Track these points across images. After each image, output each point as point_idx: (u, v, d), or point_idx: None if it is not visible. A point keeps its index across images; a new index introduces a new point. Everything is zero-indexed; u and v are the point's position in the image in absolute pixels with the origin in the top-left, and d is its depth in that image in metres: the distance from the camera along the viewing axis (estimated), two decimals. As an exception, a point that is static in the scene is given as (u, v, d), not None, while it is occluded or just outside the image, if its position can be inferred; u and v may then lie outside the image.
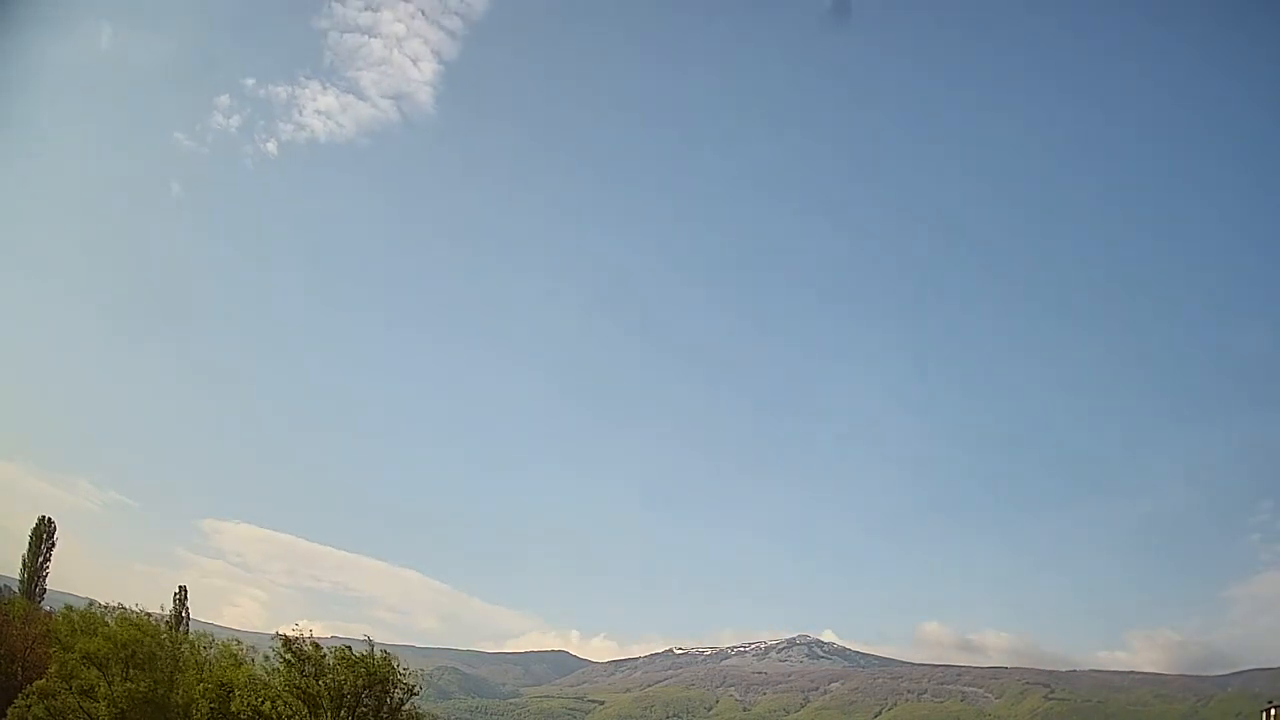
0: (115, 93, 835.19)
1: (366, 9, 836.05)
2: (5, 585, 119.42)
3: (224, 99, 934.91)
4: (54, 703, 57.69)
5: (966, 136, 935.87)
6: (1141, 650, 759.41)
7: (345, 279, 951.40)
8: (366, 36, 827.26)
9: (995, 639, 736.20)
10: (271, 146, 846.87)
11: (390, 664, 55.13)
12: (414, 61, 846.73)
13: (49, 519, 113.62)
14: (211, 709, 56.28)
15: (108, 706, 56.18)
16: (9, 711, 59.25)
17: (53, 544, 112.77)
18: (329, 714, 53.01)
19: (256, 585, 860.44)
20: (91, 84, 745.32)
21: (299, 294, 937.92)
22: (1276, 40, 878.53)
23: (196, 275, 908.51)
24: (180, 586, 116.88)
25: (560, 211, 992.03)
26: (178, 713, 59.07)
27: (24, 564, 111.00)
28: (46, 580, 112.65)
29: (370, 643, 55.78)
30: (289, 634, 54.70)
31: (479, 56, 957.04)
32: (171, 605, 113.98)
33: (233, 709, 55.08)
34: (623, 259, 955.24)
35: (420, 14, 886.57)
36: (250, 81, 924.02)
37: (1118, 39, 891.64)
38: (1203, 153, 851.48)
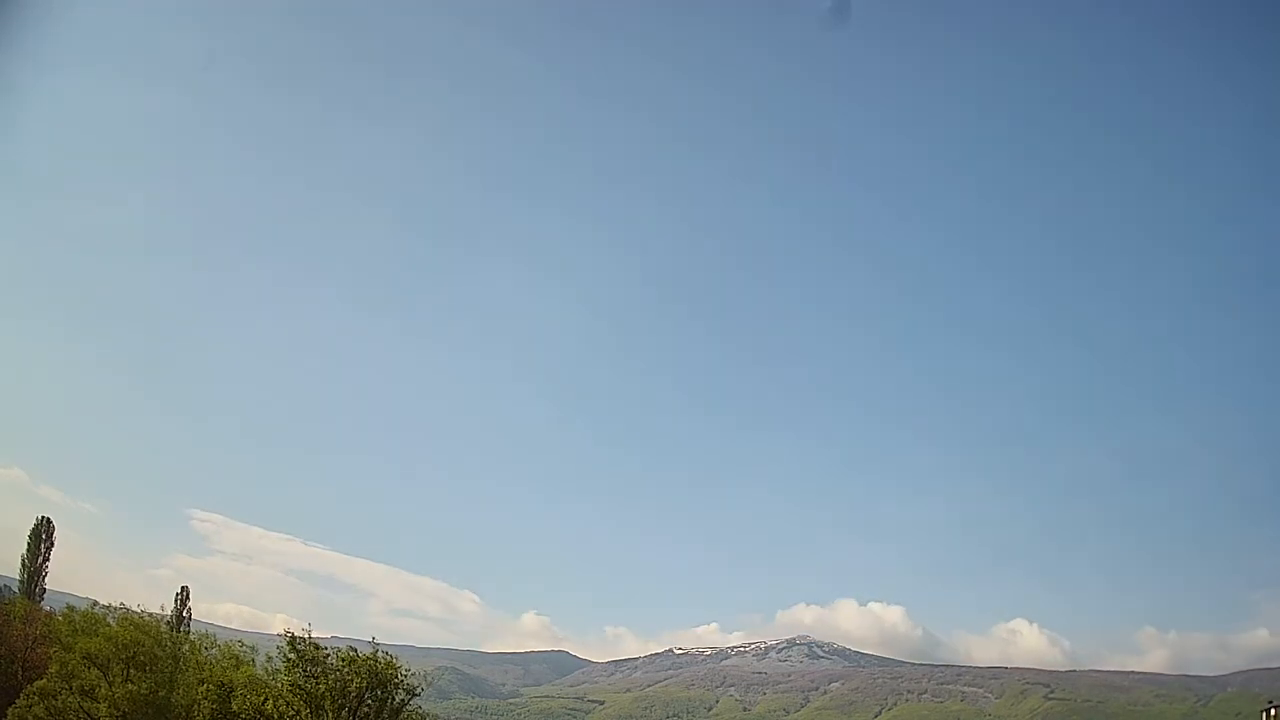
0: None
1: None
2: (5, 585, 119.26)
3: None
4: (54, 703, 57.30)
5: (965, 136, 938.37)
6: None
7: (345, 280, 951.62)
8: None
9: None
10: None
11: (393, 665, 54.80)
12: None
13: (47, 519, 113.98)
14: (213, 709, 55.94)
15: (108, 707, 55.85)
16: (9, 712, 58.87)
17: (51, 544, 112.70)
18: (331, 714, 52.61)
19: (256, 586, 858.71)
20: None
21: (299, 297, 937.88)
22: (1275, 41, 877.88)
23: (195, 277, 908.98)
24: (182, 587, 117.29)
25: (558, 214, 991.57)
26: (179, 713, 58.72)
27: (23, 564, 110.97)
28: (46, 580, 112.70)
29: (374, 643, 55.48)
30: (297, 633, 54.34)
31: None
32: (173, 606, 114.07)
33: (234, 709, 54.74)
34: (624, 265, 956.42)
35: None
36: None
37: (1118, 40, 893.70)
38: (1203, 153, 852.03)
